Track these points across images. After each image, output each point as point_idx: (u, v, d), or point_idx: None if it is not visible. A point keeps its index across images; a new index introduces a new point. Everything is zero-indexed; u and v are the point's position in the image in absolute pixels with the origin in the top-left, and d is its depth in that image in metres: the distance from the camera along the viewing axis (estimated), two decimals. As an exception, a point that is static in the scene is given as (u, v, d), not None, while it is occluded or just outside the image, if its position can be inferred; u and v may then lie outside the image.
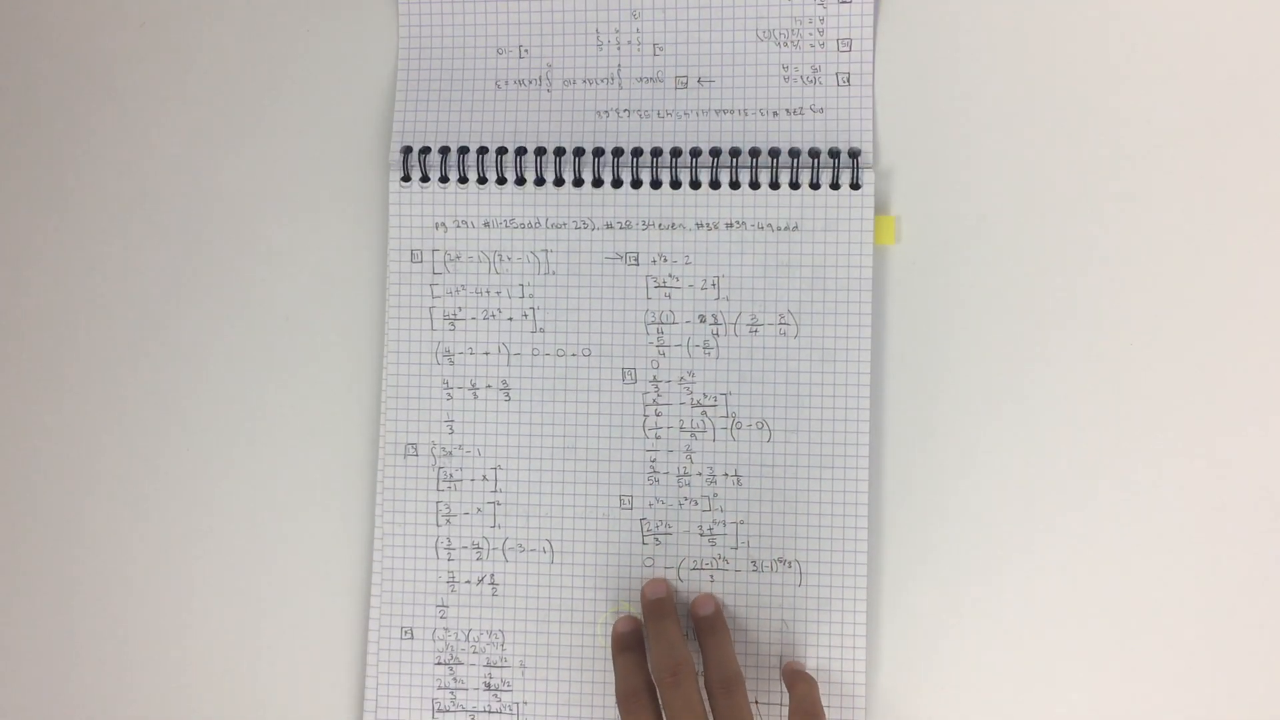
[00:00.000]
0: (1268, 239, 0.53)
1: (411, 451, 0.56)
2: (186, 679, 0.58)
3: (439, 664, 0.55)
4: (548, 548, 0.55)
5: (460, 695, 0.55)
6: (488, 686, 0.55)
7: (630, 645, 0.51)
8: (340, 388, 0.57)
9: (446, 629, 0.56)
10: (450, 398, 0.56)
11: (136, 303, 0.59)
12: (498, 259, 0.56)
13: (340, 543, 0.57)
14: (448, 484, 0.56)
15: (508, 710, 0.55)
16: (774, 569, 0.54)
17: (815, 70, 0.55)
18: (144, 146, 0.59)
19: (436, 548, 0.56)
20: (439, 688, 0.55)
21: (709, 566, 0.54)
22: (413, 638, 0.56)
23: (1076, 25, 0.54)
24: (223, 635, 0.57)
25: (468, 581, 0.56)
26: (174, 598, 0.58)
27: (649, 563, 0.54)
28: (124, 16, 0.59)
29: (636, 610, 0.54)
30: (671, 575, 0.54)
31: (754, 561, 0.54)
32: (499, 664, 0.55)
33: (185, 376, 0.58)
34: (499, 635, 0.55)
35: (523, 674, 0.55)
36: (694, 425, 0.55)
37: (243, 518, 0.57)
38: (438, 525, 0.56)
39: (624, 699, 0.49)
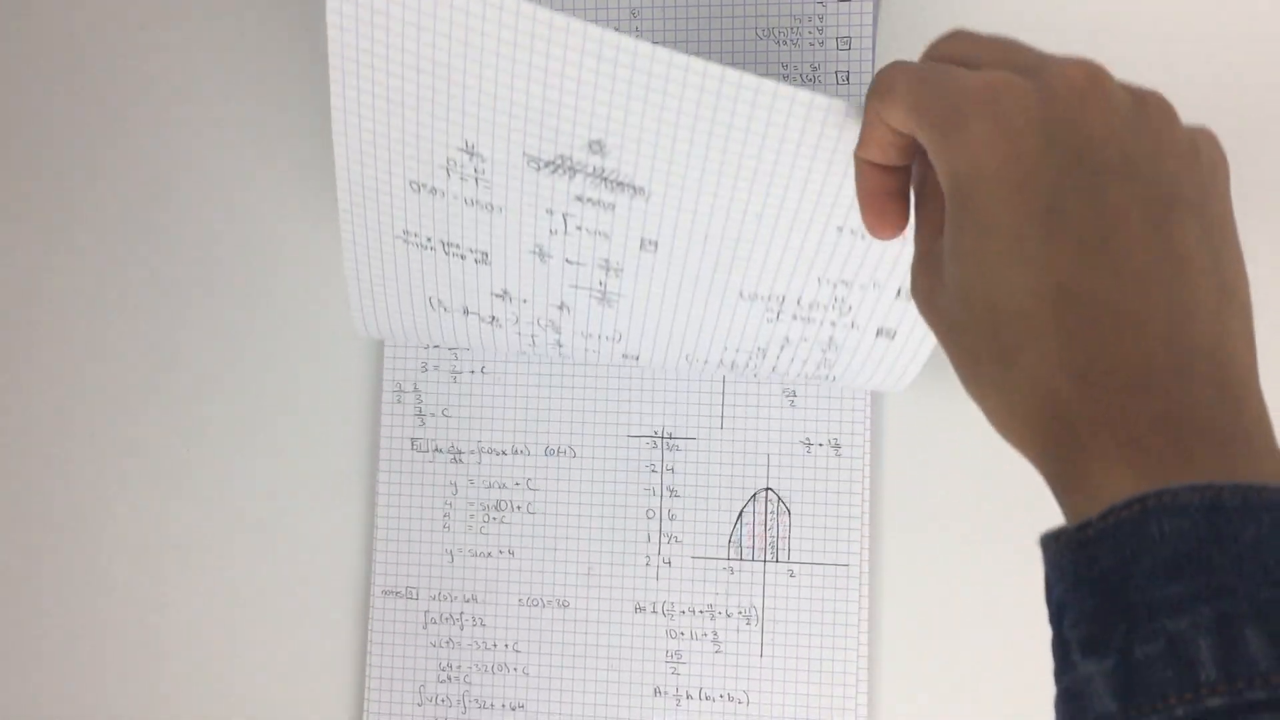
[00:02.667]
0: (1268, 238, 0.53)
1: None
2: (184, 676, 0.58)
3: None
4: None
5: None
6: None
7: None
8: (340, 385, 0.57)
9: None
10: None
11: (135, 302, 0.59)
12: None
13: (340, 541, 0.57)
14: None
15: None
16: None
17: (814, 69, 0.55)
18: (143, 146, 0.59)
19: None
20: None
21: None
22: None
23: (1075, 25, 0.54)
24: (222, 634, 0.57)
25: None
26: (173, 595, 0.58)
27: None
28: (124, 16, 0.59)
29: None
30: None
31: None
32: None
33: (184, 375, 0.58)
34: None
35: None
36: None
37: (243, 517, 0.58)
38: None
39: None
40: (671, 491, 0.55)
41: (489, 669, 0.55)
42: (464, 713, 0.55)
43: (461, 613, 0.56)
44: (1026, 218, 0.26)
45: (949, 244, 0.28)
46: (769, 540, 0.54)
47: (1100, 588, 0.24)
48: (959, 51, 0.31)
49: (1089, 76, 0.27)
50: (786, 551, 0.54)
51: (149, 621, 0.58)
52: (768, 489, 0.54)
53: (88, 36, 0.60)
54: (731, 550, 0.54)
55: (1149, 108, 0.28)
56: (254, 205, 0.58)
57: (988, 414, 0.28)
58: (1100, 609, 0.23)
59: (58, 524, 0.59)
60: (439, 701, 0.55)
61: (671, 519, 0.54)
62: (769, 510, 0.54)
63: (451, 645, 0.55)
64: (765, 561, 0.54)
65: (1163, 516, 0.23)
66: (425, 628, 0.56)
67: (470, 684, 0.55)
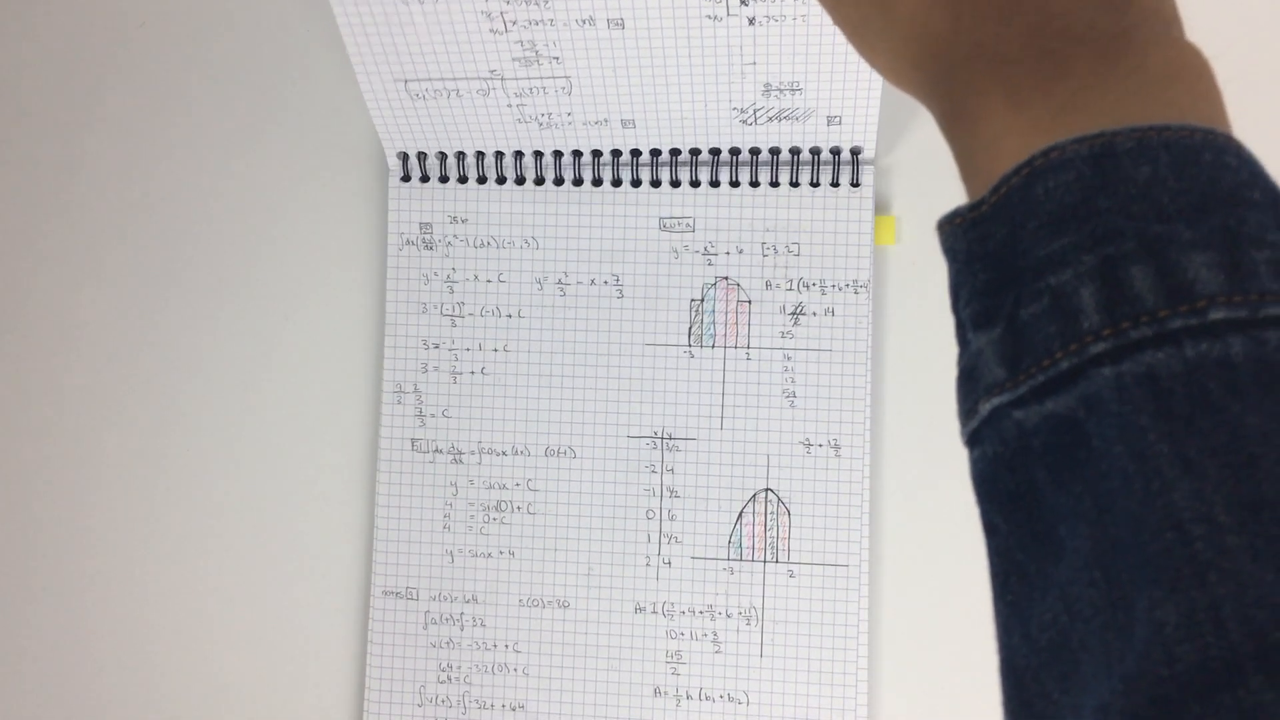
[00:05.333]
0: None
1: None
2: (184, 676, 0.58)
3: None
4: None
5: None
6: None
7: None
8: (340, 387, 0.57)
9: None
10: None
11: (136, 302, 0.59)
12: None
13: (340, 541, 0.57)
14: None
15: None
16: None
17: (815, 69, 0.55)
18: (143, 146, 0.59)
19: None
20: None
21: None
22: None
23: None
24: (221, 632, 0.57)
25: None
26: (173, 595, 0.58)
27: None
28: (124, 16, 0.59)
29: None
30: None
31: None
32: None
33: (185, 376, 0.58)
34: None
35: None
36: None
37: (243, 516, 0.58)
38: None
39: None
40: (671, 492, 0.55)
41: (489, 669, 0.55)
42: (464, 713, 0.55)
43: (462, 613, 0.56)
44: None
45: None
46: (769, 540, 0.54)
47: (991, 261, 0.23)
48: None
49: None
50: (786, 552, 0.54)
51: (149, 621, 0.58)
52: (767, 489, 0.54)
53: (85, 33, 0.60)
54: (731, 550, 0.54)
55: None
56: (258, 209, 0.58)
57: (880, 68, 0.28)
58: (990, 282, 0.23)
59: (56, 525, 0.59)
60: (439, 702, 0.55)
61: (671, 519, 0.55)
62: (769, 511, 0.54)
63: (452, 646, 0.56)
64: (765, 562, 0.54)
65: (1048, 174, 0.22)
66: (425, 628, 0.56)
67: (470, 684, 0.55)
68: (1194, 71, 0.24)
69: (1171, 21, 0.25)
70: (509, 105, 0.54)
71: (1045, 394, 0.22)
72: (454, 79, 0.53)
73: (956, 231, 0.24)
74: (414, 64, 0.52)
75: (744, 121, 0.53)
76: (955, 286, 0.24)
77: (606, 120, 0.54)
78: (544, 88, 0.53)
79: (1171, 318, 0.20)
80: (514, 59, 0.52)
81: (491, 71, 0.53)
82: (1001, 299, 0.22)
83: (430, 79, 0.53)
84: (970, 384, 0.24)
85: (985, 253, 0.23)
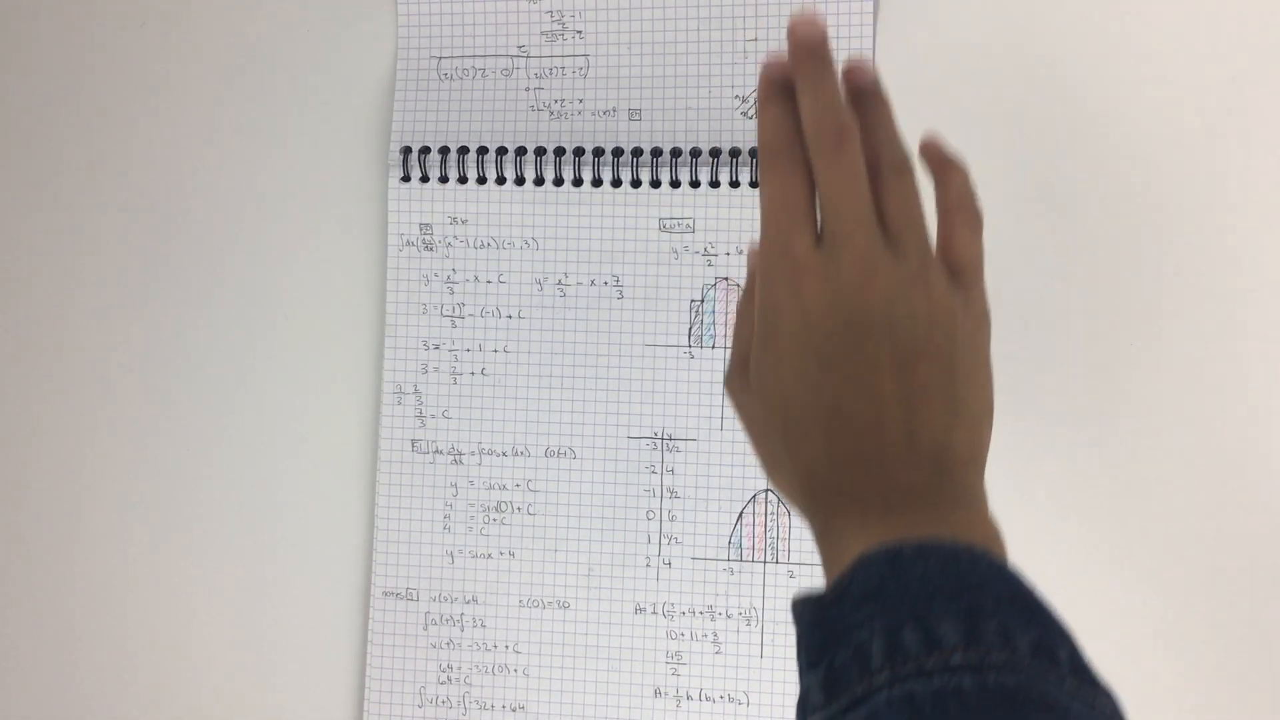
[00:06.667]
0: (1268, 238, 0.53)
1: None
2: (185, 677, 0.58)
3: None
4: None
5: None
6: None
7: (783, 95, 0.39)
8: (340, 387, 0.57)
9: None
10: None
11: (134, 302, 0.59)
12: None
13: (340, 541, 0.57)
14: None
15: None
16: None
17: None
18: (143, 146, 0.59)
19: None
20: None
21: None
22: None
23: (1075, 25, 0.54)
24: (221, 633, 0.58)
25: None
26: (173, 595, 0.58)
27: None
28: (124, 16, 0.59)
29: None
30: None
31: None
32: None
33: (184, 376, 0.58)
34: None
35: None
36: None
37: (243, 516, 0.58)
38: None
39: (769, 154, 0.38)
40: (672, 492, 0.55)
41: (489, 670, 0.55)
42: (464, 714, 0.55)
43: (462, 614, 0.56)
44: (809, 357, 0.36)
45: (755, 359, 0.38)
46: (769, 541, 0.54)
47: (823, 629, 0.34)
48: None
49: (868, 264, 0.36)
50: (786, 552, 0.54)
51: (148, 622, 0.58)
52: (768, 490, 0.54)
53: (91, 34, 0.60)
54: (731, 551, 0.54)
55: (916, 288, 0.36)
56: (259, 210, 0.58)
57: (776, 485, 0.39)
58: (822, 640, 0.33)
59: (53, 526, 0.59)
60: (439, 703, 0.55)
61: (672, 520, 0.55)
62: (769, 511, 0.54)
63: (452, 646, 0.56)
64: (765, 562, 0.54)
65: (860, 570, 0.33)
66: (425, 629, 0.56)
67: (470, 685, 0.55)
68: (983, 529, 0.36)
69: (978, 498, 0.37)
70: (527, 89, 0.55)
71: (848, 711, 0.31)
72: (484, 55, 0.56)
73: (806, 608, 0.34)
74: (453, 37, 0.55)
75: (745, 114, 0.53)
76: (798, 641, 0.35)
77: (614, 110, 0.54)
78: (563, 68, 0.55)
79: (927, 661, 0.30)
80: (542, 32, 0.55)
81: (520, 48, 0.55)
82: (826, 651, 0.33)
83: (463, 55, 0.56)
84: (802, 708, 0.33)
85: (821, 623, 0.34)
